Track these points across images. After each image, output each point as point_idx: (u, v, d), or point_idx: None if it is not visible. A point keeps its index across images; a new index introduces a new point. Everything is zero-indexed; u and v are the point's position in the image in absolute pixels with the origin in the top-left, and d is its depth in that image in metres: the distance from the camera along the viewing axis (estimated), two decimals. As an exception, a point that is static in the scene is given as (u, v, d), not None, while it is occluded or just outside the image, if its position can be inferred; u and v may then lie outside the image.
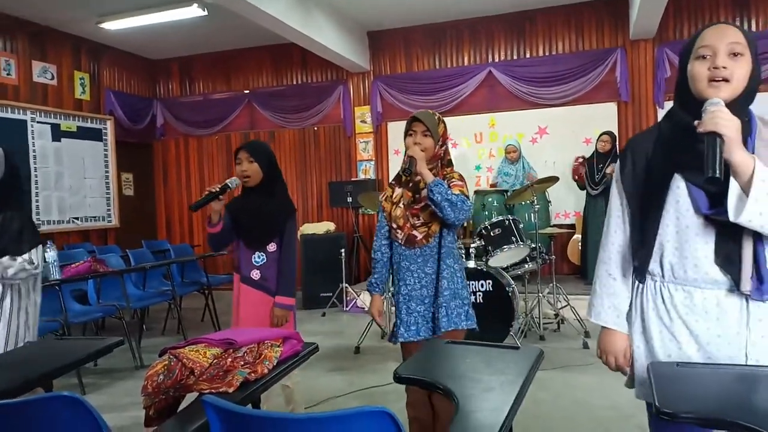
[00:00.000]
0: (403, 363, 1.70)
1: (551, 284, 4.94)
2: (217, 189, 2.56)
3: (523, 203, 5.72)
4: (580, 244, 6.33)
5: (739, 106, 1.41)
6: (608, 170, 5.79)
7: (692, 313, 1.48)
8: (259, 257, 2.68)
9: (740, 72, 1.40)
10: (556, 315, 5.00)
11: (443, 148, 2.35)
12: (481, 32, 7.12)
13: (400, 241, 2.35)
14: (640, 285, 1.57)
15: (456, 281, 2.35)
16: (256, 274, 2.67)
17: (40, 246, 2.54)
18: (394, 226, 2.36)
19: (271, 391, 2.68)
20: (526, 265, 4.85)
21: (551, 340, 4.71)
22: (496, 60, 7.08)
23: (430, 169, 2.30)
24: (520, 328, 4.67)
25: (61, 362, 1.84)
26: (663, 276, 1.52)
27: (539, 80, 6.79)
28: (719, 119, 1.32)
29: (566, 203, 6.71)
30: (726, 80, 1.39)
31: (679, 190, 1.46)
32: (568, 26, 6.84)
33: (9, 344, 2.48)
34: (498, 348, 1.89)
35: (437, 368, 1.68)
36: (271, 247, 2.68)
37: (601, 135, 6.00)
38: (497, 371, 1.58)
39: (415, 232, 2.31)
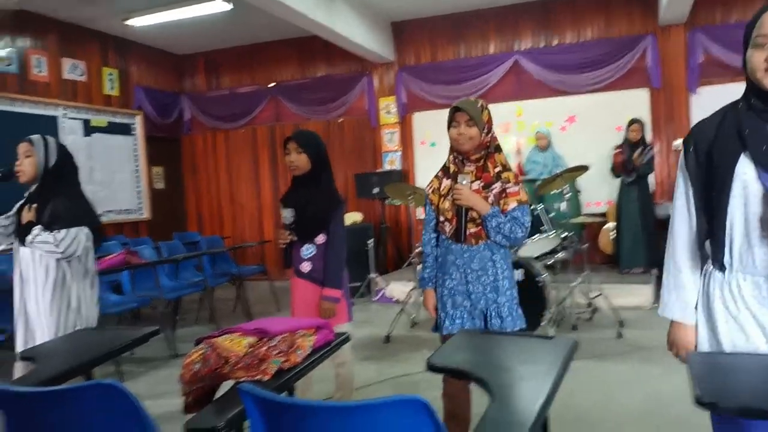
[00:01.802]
0: (436, 352, 1.69)
1: (583, 274, 4.87)
2: (287, 235, 2.67)
3: (553, 192, 5.64)
4: (613, 233, 6.23)
5: None
6: (635, 156, 5.68)
7: (760, 304, 1.43)
8: (308, 249, 2.68)
9: None
10: (589, 305, 4.93)
11: (490, 135, 2.26)
12: (507, 20, 7.03)
13: (447, 234, 2.29)
14: (707, 275, 1.53)
15: (511, 280, 2.31)
16: (306, 266, 2.68)
17: (74, 229, 2.55)
18: (442, 218, 2.29)
19: (308, 379, 2.72)
20: (558, 255, 4.79)
21: (584, 330, 4.66)
22: (523, 48, 6.98)
23: (477, 159, 2.25)
24: (552, 318, 4.62)
25: (100, 351, 1.89)
26: (731, 265, 1.46)
27: (567, 68, 6.67)
28: None
29: (597, 192, 6.60)
30: None
31: (746, 175, 1.39)
32: (597, 12, 6.70)
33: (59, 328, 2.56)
34: (531, 338, 1.88)
35: (470, 358, 1.67)
36: (320, 239, 2.67)
37: (630, 124, 5.88)
38: (531, 361, 1.57)
39: (470, 229, 2.23)
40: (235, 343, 1.58)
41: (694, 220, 1.54)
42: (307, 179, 2.67)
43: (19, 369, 1.90)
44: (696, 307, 1.57)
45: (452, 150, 2.31)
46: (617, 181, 6.03)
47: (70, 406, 1.29)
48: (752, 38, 1.39)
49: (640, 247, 5.80)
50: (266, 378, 1.51)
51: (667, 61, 6.44)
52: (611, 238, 6.28)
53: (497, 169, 2.26)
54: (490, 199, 2.21)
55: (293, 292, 2.73)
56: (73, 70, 6.91)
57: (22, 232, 2.58)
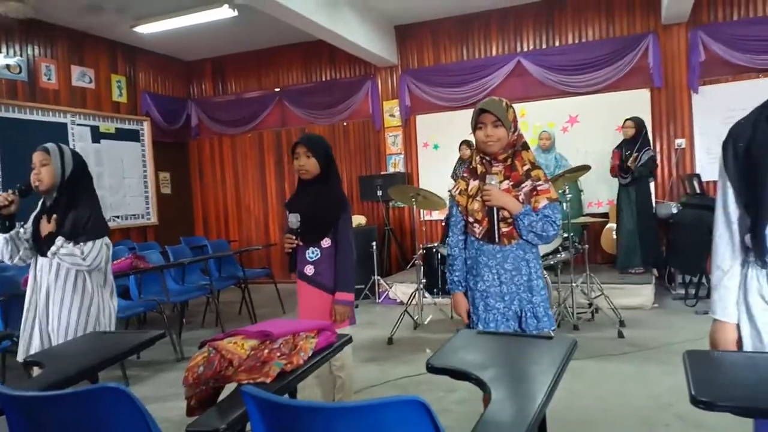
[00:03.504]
0: (436, 353, 1.71)
1: (585, 274, 4.88)
2: (294, 239, 2.66)
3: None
4: (614, 233, 6.22)
5: None
6: (630, 162, 5.67)
7: None
8: (313, 253, 2.68)
9: None
10: (590, 304, 4.94)
11: (516, 133, 2.23)
12: (510, 22, 7.05)
13: (477, 236, 2.25)
14: (750, 273, 1.55)
15: (544, 280, 2.31)
16: (309, 270, 2.68)
17: (99, 241, 2.58)
18: (471, 219, 2.25)
19: (305, 382, 2.74)
20: (559, 255, 4.80)
21: (585, 329, 4.66)
22: (525, 49, 7.00)
23: (505, 159, 2.22)
24: (553, 318, 4.63)
25: (107, 355, 1.91)
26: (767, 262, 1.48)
27: (569, 68, 6.68)
28: None
29: (599, 192, 6.60)
30: None
31: None
32: (598, 12, 6.71)
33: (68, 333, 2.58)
34: (531, 338, 1.89)
35: (470, 358, 1.69)
36: (325, 242, 2.67)
37: (625, 121, 5.87)
38: (531, 361, 1.58)
39: (502, 229, 2.21)
40: (239, 346, 1.61)
41: (734, 221, 1.56)
42: (316, 183, 2.68)
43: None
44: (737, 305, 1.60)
45: (479, 151, 2.28)
46: (617, 182, 6.02)
47: (75, 409, 1.30)
48: None
49: (636, 248, 5.79)
50: (269, 380, 1.53)
51: (668, 60, 6.44)
52: (614, 237, 6.28)
53: (526, 167, 2.23)
54: (521, 197, 2.19)
55: (299, 294, 2.76)
56: (81, 77, 6.98)
57: (41, 243, 2.57)
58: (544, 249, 4.74)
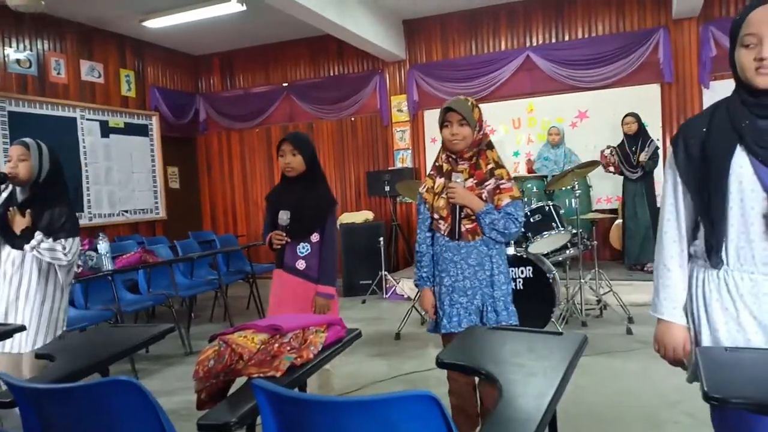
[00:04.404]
0: (445, 348, 1.71)
1: (593, 270, 4.86)
2: (284, 236, 2.71)
3: (564, 189, 5.60)
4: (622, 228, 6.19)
5: None
6: (641, 158, 5.63)
7: (759, 302, 1.41)
8: (303, 248, 2.76)
9: None
10: (599, 301, 4.92)
11: (481, 132, 2.31)
12: (519, 16, 7.00)
13: (443, 233, 2.32)
14: (702, 274, 1.51)
15: (507, 275, 2.35)
16: (301, 264, 2.75)
17: (77, 239, 2.65)
18: (437, 216, 2.33)
19: (324, 373, 2.77)
20: (568, 251, 4.79)
21: (594, 326, 4.65)
22: (534, 44, 6.96)
23: (470, 157, 2.29)
24: (561, 314, 4.62)
25: (117, 348, 1.92)
26: (728, 263, 1.44)
27: (579, 63, 6.63)
28: None
29: (608, 188, 6.56)
30: None
31: (741, 169, 1.38)
32: (608, 7, 6.65)
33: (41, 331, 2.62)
34: (541, 334, 1.88)
35: (479, 354, 1.68)
36: (315, 237, 2.76)
37: (624, 117, 5.83)
38: (540, 357, 1.57)
39: (465, 225, 2.27)
40: (249, 340, 1.61)
41: (683, 219, 1.52)
42: (302, 180, 2.76)
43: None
44: (686, 308, 1.55)
45: (445, 149, 2.35)
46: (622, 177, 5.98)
47: (87, 402, 1.31)
48: (739, 37, 1.36)
49: (649, 243, 5.75)
50: (279, 374, 1.53)
51: (679, 56, 6.38)
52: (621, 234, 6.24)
53: (490, 166, 2.30)
54: (484, 195, 2.26)
55: (280, 287, 2.80)
56: (90, 71, 7.01)
57: (14, 236, 2.62)
58: (552, 245, 4.73)
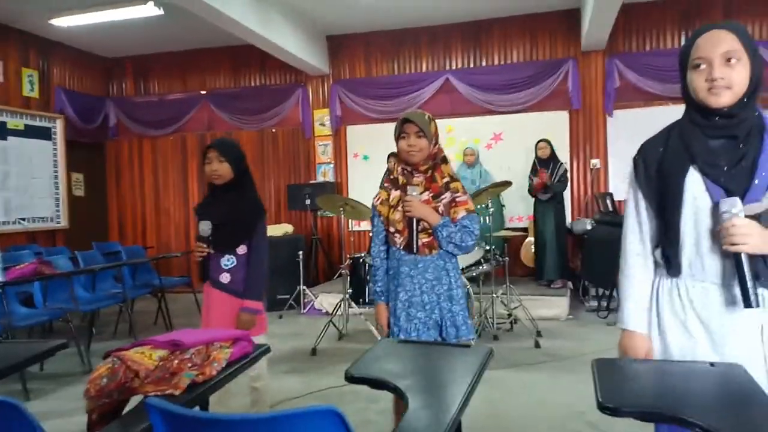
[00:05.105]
0: (355, 362, 1.70)
1: (505, 285, 5.04)
2: (205, 248, 2.58)
3: (479, 206, 5.78)
4: (533, 246, 6.48)
5: (745, 105, 1.43)
6: (549, 180, 5.94)
7: (708, 310, 1.48)
8: (228, 260, 2.61)
9: (739, 77, 1.40)
10: (509, 315, 5.09)
11: (437, 146, 2.29)
12: (440, 40, 7.22)
13: (398, 246, 2.28)
14: (657, 282, 1.58)
15: (463, 289, 2.35)
16: (225, 278, 2.60)
17: None
18: (392, 230, 2.28)
19: (227, 392, 2.64)
20: (481, 267, 4.93)
21: (505, 339, 4.80)
22: (454, 67, 7.19)
23: (426, 170, 2.26)
24: (474, 328, 4.73)
25: (1, 365, 1.77)
26: (681, 272, 1.51)
27: (495, 88, 6.93)
28: (734, 237, 1.36)
29: (519, 207, 6.85)
30: (726, 87, 1.40)
31: (695, 186, 1.46)
32: (523, 36, 7.00)
33: None
34: (449, 346, 1.91)
35: (388, 367, 1.68)
36: (241, 249, 2.61)
37: (538, 142, 6.17)
38: (448, 369, 1.60)
39: (422, 239, 2.24)
40: (146, 356, 1.52)
41: (646, 232, 1.60)
42: (230, 188, 2.62)
43: None
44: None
45: (400, 161, 2.31)
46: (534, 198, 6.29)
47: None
48: (690, 61, 1.47)
49: (557, 261, 6.07)
50: (178, 392, 1.46)
51: (586, 85, 6.81)
52: (532, 251, 6.52)
53: (445, 180, 2.28)
54: (440, 209, 2.23)
55: (208, 303, 2.67)
56: (-13, 69, 6.51)
57: None
58: (466, 260, 4.86)
